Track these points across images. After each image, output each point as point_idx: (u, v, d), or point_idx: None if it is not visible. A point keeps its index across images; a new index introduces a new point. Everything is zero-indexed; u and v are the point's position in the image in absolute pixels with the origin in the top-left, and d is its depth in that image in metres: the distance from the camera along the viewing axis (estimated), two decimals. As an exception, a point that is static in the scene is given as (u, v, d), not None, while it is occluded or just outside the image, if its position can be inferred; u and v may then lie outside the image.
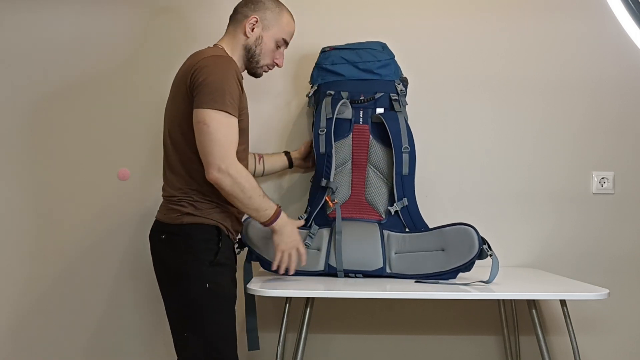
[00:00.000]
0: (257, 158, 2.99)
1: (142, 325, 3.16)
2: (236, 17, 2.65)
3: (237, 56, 2.62)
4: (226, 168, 2.37)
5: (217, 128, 2.37)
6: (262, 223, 2.52)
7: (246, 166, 2.51)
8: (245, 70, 2.69)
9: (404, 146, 2.85)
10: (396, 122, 2.86)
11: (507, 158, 3.19)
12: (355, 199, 2.89)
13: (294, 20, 2.72)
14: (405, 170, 2.85)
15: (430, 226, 2.82)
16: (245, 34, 2.61)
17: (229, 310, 2.49)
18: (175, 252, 2.47)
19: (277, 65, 2.71)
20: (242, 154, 2.52)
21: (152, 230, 2.57)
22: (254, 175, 2.87)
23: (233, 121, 2.41)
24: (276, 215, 2.51)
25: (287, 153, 3.06)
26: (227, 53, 2.59)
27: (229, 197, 2.43)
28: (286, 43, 2.71)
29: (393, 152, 2.85)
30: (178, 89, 2.50)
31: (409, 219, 2.85)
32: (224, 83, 2.40)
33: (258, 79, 2.72)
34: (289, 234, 2.55)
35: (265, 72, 2.71)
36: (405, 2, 3.18)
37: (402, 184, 2.85)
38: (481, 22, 3.17)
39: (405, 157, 2.85)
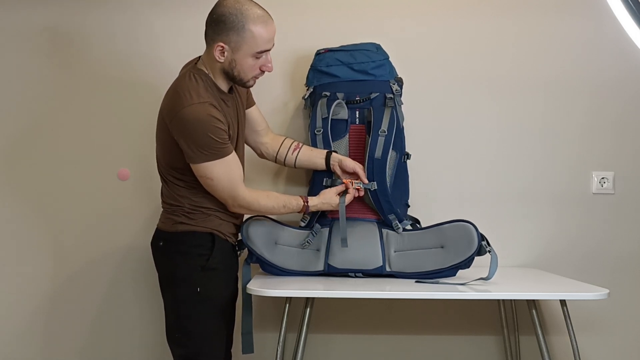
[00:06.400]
0: (294, 147, 2.86)
1: (143, 326, 3.16)
2: (206, 38, 2.52)
3: (218, 76, 2.54)
4: (239, 205, 2.57)
5: (220, 177, 2.50)
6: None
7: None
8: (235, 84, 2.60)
9: (381, 129, 2.83)
10: (381, 111, 2.86)
11: (506, 158, 3.19)
12: (354, 198, 2.88)
13: (267, 22, 2.48)
14: (378, 153, 2.82)
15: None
16: (217, 60, 2.49)
17: (217, 316, 2.58)
18: (168, 258, 2.59)
19: (267, 71, 2.56)
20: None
21: (152, 237, 2.66)
22: (283, 163, 2.89)
23: (230, 159, 2.50)
24: (305, 208, 2.70)
25: (329, 152, 2.83)
26: (207, 79, 2.51)
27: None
28: (267, 50, 2.51)
29: (370, 135, 2.84)
30: (161, 124, 2.55)
31: (378, 204, 2.82)
32: (208, 133, 2.43)
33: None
34: (327, 208, 2.75)
35: (257, 79, 2.59)
36: (400, 3, 3.17)
37: (373, 167, 2.82)
38: (479, 22, 3.17)
39: (381, 140, 2.83)
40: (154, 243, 2.64)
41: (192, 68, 2.56)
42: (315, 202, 2.71)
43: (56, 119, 3.16)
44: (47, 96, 3.16)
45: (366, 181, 2.78)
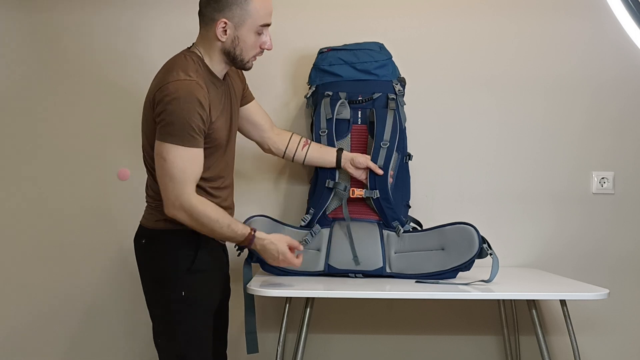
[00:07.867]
0: (303, 143, 2.83)
1: (136, 325, 3.15)
2: (203, 18, 2.45)
3: (216, 60, 2.47)
4: (180, 205, 2.35)
5: (174, 163, 2.34)
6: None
7: (229, 184, 2.55)
8: (233, 67, 2.54)
9: (383, 140, 2.84)
10: (383, 119, 2.86)
11: (506, 158, 3.19)
12: (355, 199, 2.88)
13: None
14: (380, 163, 2.83)
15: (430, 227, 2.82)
16: (218, 39, 2.42)
17: (204, 318, 2.48)
18: (152, 258, 2.48)
19: (266, 49, 2.50)
20: (222, 172, 2.51)
21: (135, 234, 2.55)
22: (292, 159, 2.84)
23: (193, 153, 2.35)
24: (249, 241, 2.48)
25: (340, 150, 2.84)
26: (200, 61, 2.44)
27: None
28: (269, 24, 2.47)
29: (373, 144, 2.85)
30: (147, 106, 2.45)
31: (380, 212, 2.84)
32: (184, 114, 2.32)
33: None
34: (270, 251, 2.51)
35: (255, 60, 2.52)
36: (402, 3, 3.17)
37: (375, 176, 2.83)
38: (479, 22, 3.17)
39: (382, 152, 2.84)
40: (137, 240, 2.53)
41: (185, 50, 2.51)
42: (263, 237, 2.49)
43: (56, 118, 3.16)
44: (47, 96, 3.16)
45: (380, 172, 2.79)
